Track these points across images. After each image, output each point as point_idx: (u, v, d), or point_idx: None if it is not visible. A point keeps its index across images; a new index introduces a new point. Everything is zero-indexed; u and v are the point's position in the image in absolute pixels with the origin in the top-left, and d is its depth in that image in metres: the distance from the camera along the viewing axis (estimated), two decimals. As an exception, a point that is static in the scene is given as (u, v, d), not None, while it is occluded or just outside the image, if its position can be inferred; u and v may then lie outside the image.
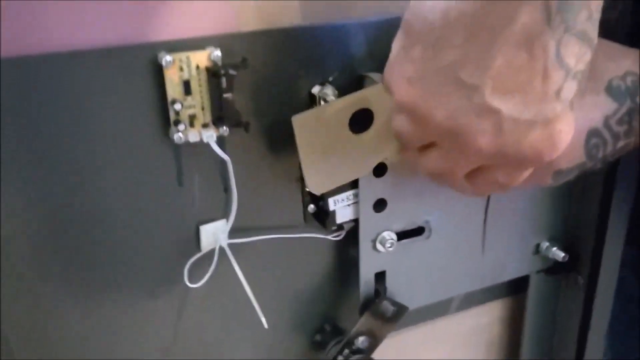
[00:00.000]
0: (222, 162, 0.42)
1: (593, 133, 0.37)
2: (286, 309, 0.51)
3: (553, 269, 0.60)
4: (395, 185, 0.48)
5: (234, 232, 0.45)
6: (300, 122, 0.39)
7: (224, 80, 0.39)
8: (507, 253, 0.57)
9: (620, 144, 0.38)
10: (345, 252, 0.52)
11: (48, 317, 0.42)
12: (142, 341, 0.46)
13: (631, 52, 0.39)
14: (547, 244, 0.58)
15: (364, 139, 0.42)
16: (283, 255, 0.49)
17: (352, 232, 0.50)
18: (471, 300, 0.61)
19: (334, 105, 0.40)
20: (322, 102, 0.43)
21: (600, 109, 0.37)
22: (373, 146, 0.42)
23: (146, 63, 0.38)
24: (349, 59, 0.44)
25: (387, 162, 0.45)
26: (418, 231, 0.51)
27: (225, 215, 0.45)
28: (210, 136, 0.40)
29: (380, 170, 0.47)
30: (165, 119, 0.40)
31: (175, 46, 0.39)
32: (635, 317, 0.63)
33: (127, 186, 0.41)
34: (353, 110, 0.41)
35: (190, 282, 0.44)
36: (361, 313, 0.51)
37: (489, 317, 0.65)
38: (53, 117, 0.38)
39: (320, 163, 0.41)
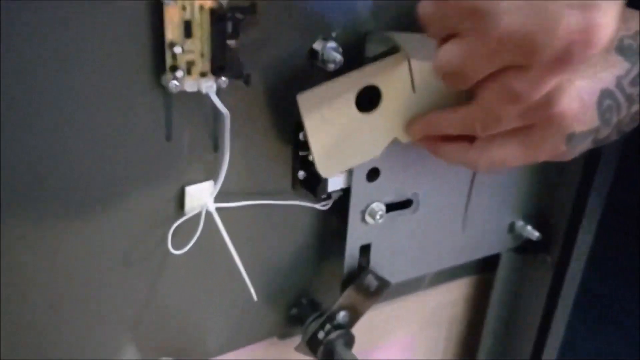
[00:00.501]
0: (217, 117, 0.39)
1: (606, 94, 0.36)
2: (265, 280, 0.48)
3: (522, 247, 0.61)
4: (390, 155, 0.46)
5: (221, 196, 0.41)
6: (306, 100, 0.37)
7: (229, 25, 0.35)
8: (485, 230, 0.56)
9: (635, 108, 0.37)
10: (328, 223, 0.49)
11: (16, 279, 0.37)
12: (114, 307, 0.42)
13: (636, 12, 0.38)
14: (521, 222, 0.58)
15: (372, 118, 0.40)
16: (266, 222, 0.46)
17: (339, 202, 0.47)
18: (441, 277, 0.61)
19: (340, 82, 0.38)
20: (323, 58, 0.40)
21: (612, 68, 0.36)
22: (382, 126, 0.40)
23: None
24: (354, 16, 0.42)
25: (402, 140, 0.42)
26: (405, 204, 0.50)
27: (211, 176, 0.41)
28: (210, 86, 0.36)
29: (377, 137, 0.45)
30: (158, 64, 0.36)
31: (176, -18, 0.34)
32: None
33: (109, 134, 0.37)
34: (360, 88, 0.38)
35: (174, 248, 0.40)
36: (343, 287, 0.49)
37: (455, 295, 0.64)
38: (31, 52, 0.32)
39: (329, 144, 0.39)
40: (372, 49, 0.42)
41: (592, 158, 0.53)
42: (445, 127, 0.39)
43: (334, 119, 0.38)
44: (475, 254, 0.57)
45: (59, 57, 0.33)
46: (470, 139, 0.38)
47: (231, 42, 0.36)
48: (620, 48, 0.36)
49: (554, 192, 0.57)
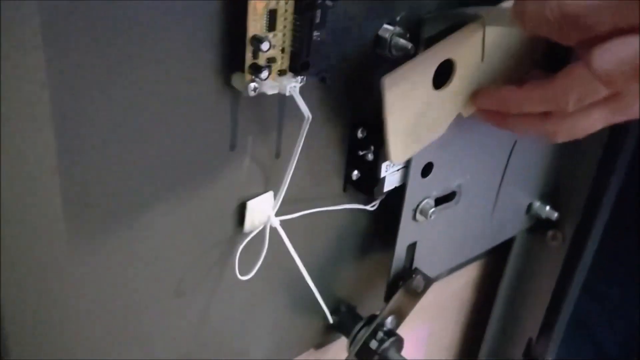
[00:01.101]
0: (283, 120, 0.33)
1: None
2: (309, 289, 0.44)
3: (534, 227, 0.60)
4: (442, 146, 0.42)
5: (281, 207, 0.36)
6: (392, 83, 0.33)
7: (317, 14, 0.30)
8: (509, 213, 0.55)
9: None
10: (372, 225, 0.45)
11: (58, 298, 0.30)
12: (163, 340, 0.36)
13: None
14: (538, 203, 0.57)
15: (443, 95, 0.37)
16: (321, 230, 0.41)
17: (385, 200, 0.43)
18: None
19: (420, 60, 0.35)
20: (391, 46, 0.36)
21: None
22: (450, 101, 0.38)
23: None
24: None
25: (464, 114, 0.39)
26: (449, 196, 0.47)
27: (270, 186, 0.36)
28: (294, 87, 0.31)
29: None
30: (228, 62, 0.30)
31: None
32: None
33: (167, 144, 0.30)
34: (438, 63, 0.35)
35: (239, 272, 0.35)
36: (390, 289, 0.46)
37: (465, 279, 0.63)
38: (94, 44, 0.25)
39: (405, 128, 0.36)
40: (428, 31, 0.38)
41: (614, 133, 0.53)
42: (522, 104, 0.36)
43: (413, 99, 0.35)
44: (499, 237, 0.56)
45: (113, 53, 0.26)
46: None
47: (317, 34, 0.30)
48: None
49: (572, 170, 0.56)
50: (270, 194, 0.36)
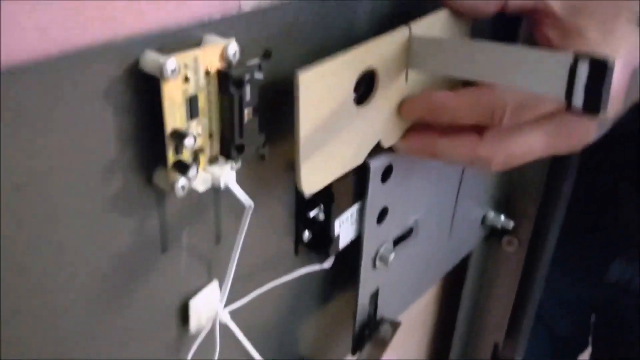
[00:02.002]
0: (219, 205, 0.29)
1: (634, 74, 0.32)
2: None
3: (489, 235, 0.58)
4: (397, 187, 0.39)
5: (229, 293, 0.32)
6: (307, 80, 0.27)
7: (247, 90, 0.25)
8: (465, 230, 0.52)
9: None
10: (331, 278, 0.41)
11: None
12: None
13: None
14: (492, 213, 0.55)
15: (364, 112, 0.32)
16: (274, 304, 0.37)
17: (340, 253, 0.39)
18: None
19: (344, 59, 0.29)
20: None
21: (637, 44, 0.31)
22: (370, 123, 0.33)
23: (118, 73, 0.22)
24: (354, 25, 0.33)
25: (384, 144, 0.35)
26: (407, 233, 0.43)
27: (214, 274, 0.31)
28: (230, 177, 0.26)
29: (386, 173, 0.37)
30: (146, 159, 0.25)
31: (165, 41, 0.23)
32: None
33: (86, 261, 0.25)
34: (361, 70, 0.31)
35: (192, 384, 0.30)
36: (357, 341, 0.42)
37: (426, 298, 0.60)
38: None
39: (318, 149, 0.30)
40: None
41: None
42: (454, 111, 0.32)
43: (330, 109, 0.30)
44: (459, 255, 0.53)
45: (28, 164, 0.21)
46: (477, 131, 0.33)
47: (249, 111, 0.25)
48: (638, 23, 0.32)
49: (523, 177, 0.54)
50: (215, 283, 0.31)
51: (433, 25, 0.33)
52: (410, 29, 0.32)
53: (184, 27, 0.24)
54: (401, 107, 0.33)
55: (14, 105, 0.20)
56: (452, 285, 0.62)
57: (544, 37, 0.33)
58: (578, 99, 0.26)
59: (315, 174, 0.31)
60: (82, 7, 0.21)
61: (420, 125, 0.35)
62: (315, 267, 0.38)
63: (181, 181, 0.25)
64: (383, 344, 0.43)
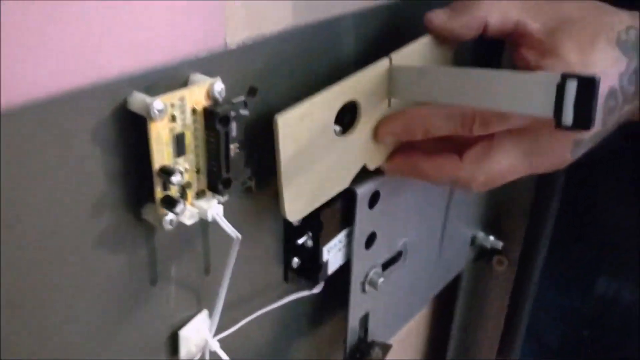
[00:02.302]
0: (207, 237, 0.29)
1: (611, 94, 0.33)
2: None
3: (479, 255, 0.59)
4: (384, 213, 0.39)
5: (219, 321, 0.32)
6: (286, 123, 0.28)
7: (233, 126, 0.25)
8: (454, 251, 0.53)
9: (626, 108, 0.34)
10: (321, 302, 0.42)
11: None
12: None
13: (623, 10, 0.35)
14: (482, 234, 0.56)
15: (346, 141, 0.33)
16: (268, 330, 0.37)
17: (330, 277, 0.40)
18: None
19: (322, 97, 0.30)
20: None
21: (616, 65, 0.33)
22: (354, 150, 0.34)
23: (106, 113, 0.23)
24: (339, 56, 0.34)
25: (370, 167, 0.36)
26: (396, 257, 0.44)
27: (203, 304, 0.32)
28: (217, 211, 0.26)
29: (374, 200, 0.38)
30: (134, 195, 0.25)
31: (152, 81, 0.24)
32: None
33: (77, 300, 0.25)
34: (341, 104, 0.32)
35: (183, 414, 0.30)
36: (348, 365, 0.43)
37: (419, 316, 0.61)
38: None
39: (301, 178, 0.31)
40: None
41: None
42: (427, 121, 0.33)
43: (311, 145, 0.31)
44: (448, 276, 0.54)
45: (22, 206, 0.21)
46: (458, 152, 0.34)
47: (235, 146, 0.26)
48: (618, 43, 0.33)
49: (511, 197, 0.55)
50: (204, 313, 0.32)
51: (414, 53, 0.34)
52: (390, 60, 0.33)
53: (170, 66, 0.25)
54: (377, 130, 0.34)
55: (6, 147, 0.21)
56: (443, 305, 0.62)
57: (522, 59, 0.34)
58: (567, 116, 0.27)
59: (298, 202, 0.32)
60: (71, 50, 0.21)
61: (405, 147, 0.36)
62: (304, 293, 0.38)
63: (169, 216, 0.25)
64: (373, 367, 0.43)
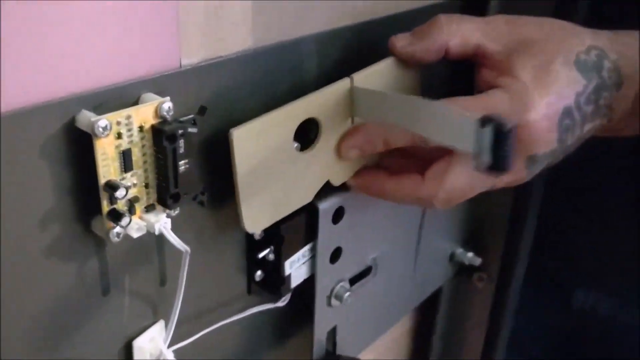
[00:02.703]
0: (162, 250, 0.30)
1: (566, 113, 0.33)
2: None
3: (459, 271, 0.59)
4: (351, 228, 0.40)
5: (175, 331, 0.33)
6: (241, 137, 0.29)
7: (181, 143, 0.26)
8: (431, 267, 0.53)
9: (587, 127, 0.35)
10: (290, 314, 0.42)
11: None
12: None
13: (585, 28, 0.36)
14: (460, 250, 0.56)
15: (307, 157, 0.34)
16: (229, 341, 0.38)
17: (297, 289, 0.40)
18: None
19: (279, 114, 0.31)
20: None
21: (572, 85, 0.33)
22: (317, 166, 0.35)
23: (55, 130, 0.24)
24: (302, 77, 0.35)
25: (334, 183, 0.36)
26: (366, 272, 0.44)
27: (160, 315, 0.32)
28: (164, 224, 0.27)
29: (338, 215, 0.38)
30: (83, 207, 0.26)
31: (102, 99, 0.25)
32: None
33: (30, 308, 0.26)
34: (299, 121, 0.32)
35: (134, 423, 0.31)
36: (314, 380, 0.43)
37: (397, 333, 0.61)
38: None
39: (260, 192, 0.32)
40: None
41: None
42: (388, 134, 0.34)
43: (268, 159, 0.32)
44: (426, 292, 0.54)
45: None
46: (420, 171, 0.34)
47: (184, 162, 0.27)
48: (577, 63, 0.34)
49: (488, 214, 0.55)
50: (161, 323, 0.32)
51: (376, 74, 0.35)
52: (352, 80, 0.33)
53: (120, 86, 0.25)
54: (339, 145, 0.35)
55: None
56: (424, 320, 0.62)
57: (483, 79, 0.35)
58: (485, 158, 0.27)
59: (257, 215, 0.32)
60: (23, 69, 0.22)
61: (371, 166, 0.37)
62: (269, 306, 0.39)
63: (116, 229, 0.26)
64: (341, 381, 0.44)
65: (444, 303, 0.60)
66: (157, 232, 0.27)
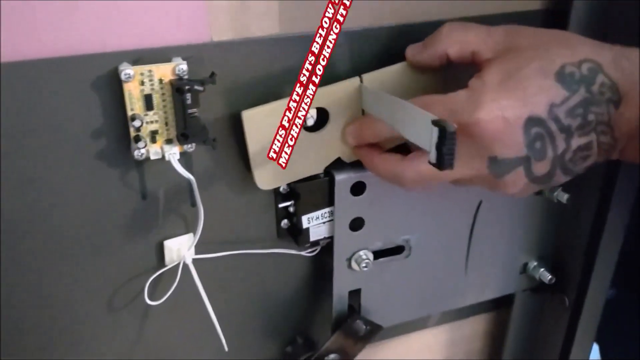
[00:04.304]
0: (194, 176, 0.40)
1: (534, 121, 0.34)
2: (256, 321, 0.50)
3: (539, 288, 0.58)
4: (374, 204, 0.45)
5: (203, 247, 0.43)
6: (251, 117, 0.38)
7: (188, 96, 0.36)
8: (491, 272, 0.54)
9: (576, 142, 0.35)
10: (320, 266, 0.49)
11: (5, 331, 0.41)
12: (100, 356, 0.45)
13: (589, 41, 0.36)
14: (535, 263, 0.56)
15: (317, 137, 0.41)
16: (254, 270, 0.47)
17: (329, 246, 0.47)
18: (451, 315, 0.60)
19: (284, 102, 0.38)
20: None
21: (544, 94, 0.34)
22: (327, 144, 0.42)
23: (105, 75, 0.36)
24: (329, 70, 0.41)
25: (345, 159, 0.43)
26: (397, 250, 0.49)
27: (192, 229, 0.43)
28: (173, 154, 0.37)
29: (358, 189, 0.44)
30: (127, 133, 0.38)
31: (140, 56, 0.36)
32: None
33: (86, 200, 0.39)
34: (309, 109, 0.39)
35: (152, 299, 0.43)
36: (333, 330, 0.50)
37: (470, 330, 0.63)
38: (4, 129, 0.35)
39: (269, 160, 0.39)
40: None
41: (605, 197, 0.50)
42: (377, 127, 0.39)
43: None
44: (482, 295, 0.56)
45: (42, 133, 0.36)
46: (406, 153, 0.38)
47: (192, 111, 0.37)
48: (561, 75, 0.34)
49: (567, 233, 0.54)
50: (190, 235, 0.43)
51: (385, 75, 0.40)
52: (361, 79, 0.40)
53: (156, 48, 0.36)
54: (345, 131, 0.42)
55: (38, 86, 0.34)
56: (497, 328, 0.63)
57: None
58: (432, 155, 0.32)
59: (268, 177, 0.41)
60: (88, 23, 0.35)
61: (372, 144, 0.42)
62: (292, 251, 0.47)
63: (139, 150, 0.37)
64: (357, 339, 0.49)
65: (517, 315, 0.60)
66: (167, 158, 0.37)
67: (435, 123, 0.31)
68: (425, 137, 0.32)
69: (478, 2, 0.43)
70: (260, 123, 0.38)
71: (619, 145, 0.36)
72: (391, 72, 0.40)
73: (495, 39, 0.36)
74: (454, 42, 0.37)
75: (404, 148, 0.41)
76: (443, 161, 0.31)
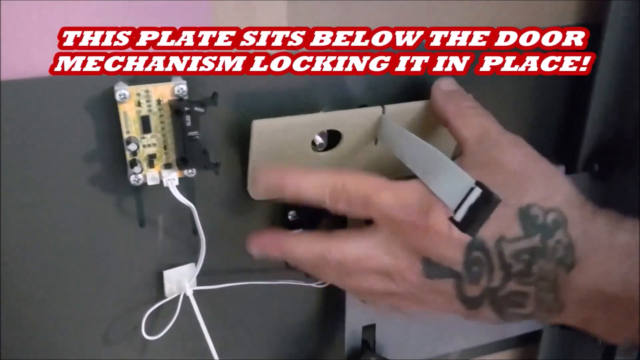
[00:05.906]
0: (195, 203, 0.38)
1: (477, 245, 0.32)
2: (261, 358, 0.47)
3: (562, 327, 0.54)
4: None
5: (205, 277, 0.40)
6: (261, 128, 0.35)
7: (188, 118, 0.33)
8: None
9: (512, 286, 0.32)
10: (332, 299, 0.46)
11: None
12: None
13: (567, 189, 0.33)
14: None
15: (324, 156, 0.38)
16: (260, 302, 0.44)
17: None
18: (473, 352, 0.56)
19: (303, 120, 0.36)
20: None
21: (499, 224, 0.31)
22: (333, 165, 0.39)
23: (100, 95, 0.34)
24: (345, 89, 0.39)
25: None
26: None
27: (193, 259, 0.40)
28: (171, 180, 0.35)
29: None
30: (123, 157, 0.35)
31: (137, 75, 0.34)
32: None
33: (80, 226, 0.37)
34: (321, 129, 0.37)
35: (149, 333, 0.40)
36: (344, 367, 0.46)
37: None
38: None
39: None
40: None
41: None
42: (301, 184, 0.35)
43: (284, 149, 0.37)
44: (508, 331, 0.52)
45: (32, 156, 0.34)
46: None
47: (192, 134, 0.34)
48: (524, 214, 0.32)
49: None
50: (191, 265, 0.40)
51: (408, 110, 0.38)
52: (384, 109, 0.37)
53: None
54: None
55: (19, 113, 0.32)
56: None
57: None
58: (460, 214, 0.29)
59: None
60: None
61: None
62: (300, 283, 0.44)
63: (136, 175, 0.35)
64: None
65: (545, 351, 0.56)
66: (165, 185, 0.35)
67: (479, 185, 0.29)
68: (455, 193, 0.30)
69: (510, 18, 0.41)
70: (269, 136, 0.36)
71: (569, 311, 0.33)
72: (416, 108, 0.38)
73: (488, 137, 0.34)
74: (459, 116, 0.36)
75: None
76: (472, 225, 0.29)
